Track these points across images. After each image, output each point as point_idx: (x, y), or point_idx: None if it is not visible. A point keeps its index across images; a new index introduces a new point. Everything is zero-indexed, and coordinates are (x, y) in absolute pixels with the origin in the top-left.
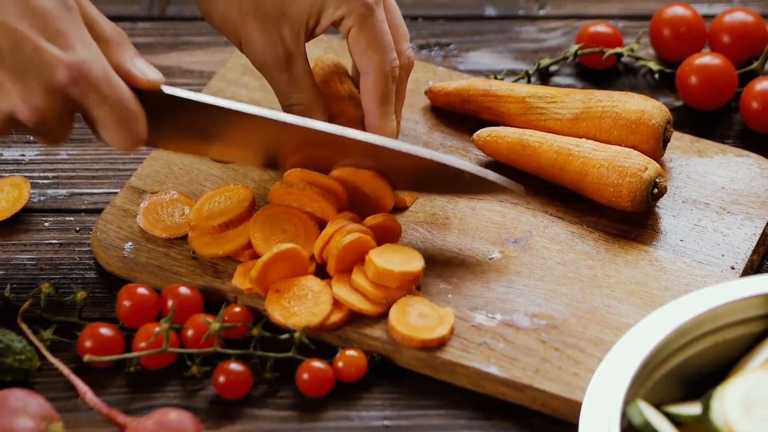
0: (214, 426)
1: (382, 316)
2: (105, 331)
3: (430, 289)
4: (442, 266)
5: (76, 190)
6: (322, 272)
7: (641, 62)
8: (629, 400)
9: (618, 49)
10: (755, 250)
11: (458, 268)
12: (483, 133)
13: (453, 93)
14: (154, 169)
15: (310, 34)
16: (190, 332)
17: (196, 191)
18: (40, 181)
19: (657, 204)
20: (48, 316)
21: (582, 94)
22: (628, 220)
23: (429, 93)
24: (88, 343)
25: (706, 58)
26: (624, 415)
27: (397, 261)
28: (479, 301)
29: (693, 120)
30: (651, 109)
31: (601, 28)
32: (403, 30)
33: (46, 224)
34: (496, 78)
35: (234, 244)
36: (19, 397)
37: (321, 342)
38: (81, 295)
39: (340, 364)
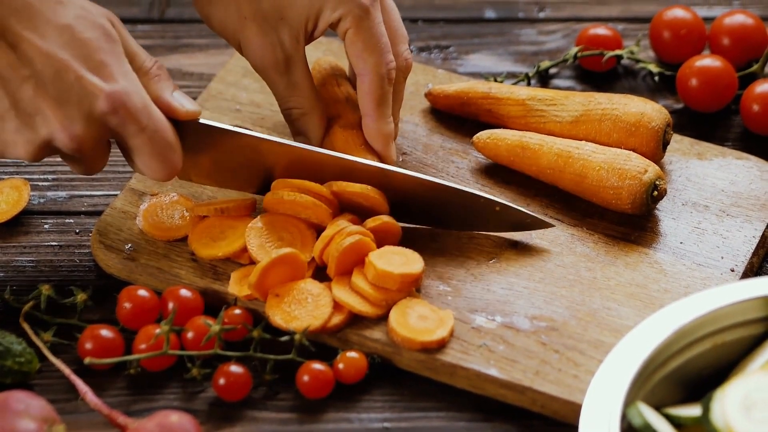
0: (215, 428)
1: (382, 318)
2: (105, 333)
3: (430, 291)
4: (442, 268)
5: (76, 192)
6: (320, 276)
7: (641, 65)
8: (629, 402)
9: (618, 52)
10: (755, 253)
11: (458, 270)
12: (483, 135)
13: (453, 95)
14: None
15: (309, 37)
16: (190, 334)
17: (196, 193)
18: (40, 183)
19: (657, 206)
20: (48, 318)
21: (582, 96)
22: (627, 223)
23: (429, 95)
24: (88, 345)
25: (706, 61)
26: (624, 417)
27: (397, 263)
28: (479, 303)
29: (693, 122)
30: (651, 111)
31: (600, 30)
32: (401, 32)
33: (46, 226)
34: (495, 80)
35: (234, 246)
36: (20, 399)
37: (321, 344)
38: (81, 297)
39: (340, 366)
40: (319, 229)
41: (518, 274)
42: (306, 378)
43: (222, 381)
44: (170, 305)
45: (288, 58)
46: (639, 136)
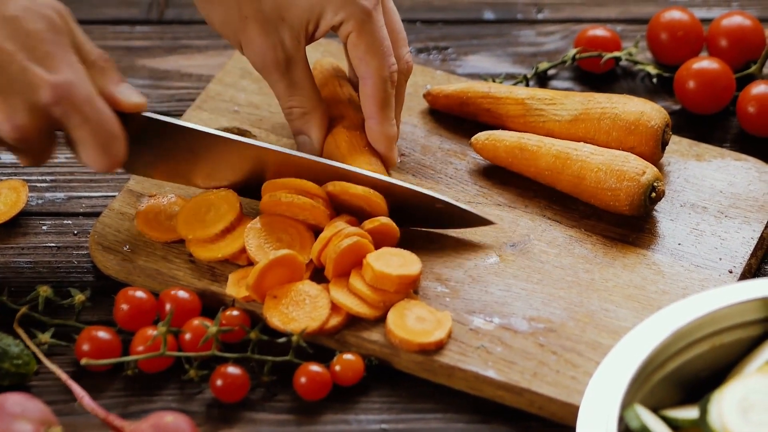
0: (212, 429)
1: (380, 320)
2: (103, 334)
3: (427, 292)
4: (440, 270)
5: (74, 194)
6: (318, 277)
7: (639, 66)
8: (627, 403)
9: (616, 53)
10: (753, 254)
11: (456, 271)
12: (481, 136)
13: (452, 95)
14: None
15: (310, 38)
16: (187, 336)
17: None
18: (38, 185)
19: (655, 208)
20: (46, 319)
21: (581, 96)
22: (626, 224)
23: (428, 95)
24: (85, 347)
25: (704, 62)
26: (621, 419)
27: (394, 264)
28: (477, 305)
29: (691, 124)
30: (650, 111)
31: (599, 31)
32: (402, 35)
33: (44, 227)
34: (494, 82)
35: (232, 247)
36: (17, 401)
37: (318, 345)
38: (79, 298)
39: (337, 367)
40: (317, 231)
41: (516, 276)
42: (303, 380)
43: (219, 382)
44: (167, 307)
45: (289, 57)
46: (638, 135)
